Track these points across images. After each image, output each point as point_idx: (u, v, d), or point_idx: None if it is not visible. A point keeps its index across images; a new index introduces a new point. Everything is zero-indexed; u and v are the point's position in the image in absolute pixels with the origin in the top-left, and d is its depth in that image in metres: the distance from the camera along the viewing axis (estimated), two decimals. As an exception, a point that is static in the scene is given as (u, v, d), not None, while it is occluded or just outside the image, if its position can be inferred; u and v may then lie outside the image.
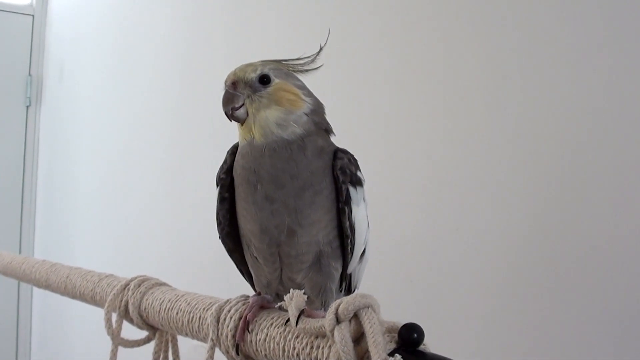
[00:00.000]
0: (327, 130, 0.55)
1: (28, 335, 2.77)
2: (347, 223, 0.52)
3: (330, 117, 1.02)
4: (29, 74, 2.86)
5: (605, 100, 0.68)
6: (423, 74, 0.90)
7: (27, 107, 2.85)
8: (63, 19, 2.71)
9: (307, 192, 0.51)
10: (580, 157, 0.70)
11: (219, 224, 0.57)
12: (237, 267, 0.61)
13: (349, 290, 0.58)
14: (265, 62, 0.53)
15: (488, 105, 0.80)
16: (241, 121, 0.52)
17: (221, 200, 0.56)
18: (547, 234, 0.73)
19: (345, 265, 0.55)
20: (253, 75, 0.52)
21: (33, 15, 2.90)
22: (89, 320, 1.96)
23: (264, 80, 0.52)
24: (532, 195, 0.74)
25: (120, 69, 2.04)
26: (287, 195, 0.50)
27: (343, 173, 0.52)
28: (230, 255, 0.60)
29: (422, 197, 0.88)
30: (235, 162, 0.54)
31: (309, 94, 0.54)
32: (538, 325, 0.73)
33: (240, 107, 0.52)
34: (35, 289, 2.69)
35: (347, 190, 0.52)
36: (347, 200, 0.52)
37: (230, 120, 0.53)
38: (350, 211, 0.52)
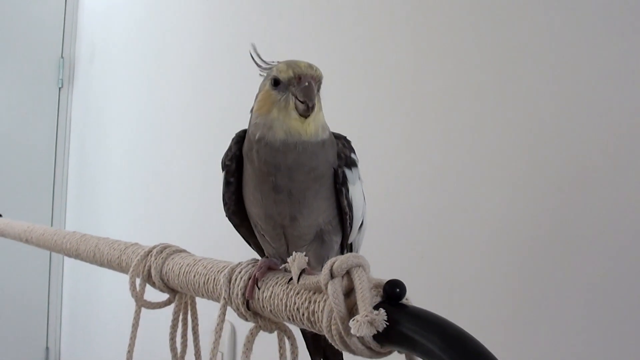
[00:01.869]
0: None
1: (59, 298, 2.88)
2: (345, 202, 0.57)
3: (354, 103, 1.07)
4: (61, 56, 2.94)
5: (617, 98, 0.70)
6: (441, 65, 0.93)
7: (60, 88, 2.93)
8: (95, 2, 2.77)
9: (317, 183, 0.56)
10: (593, 149, 0.72)
11: (225, 204, 0.62)
12: (244, 239, 0.66)
13: None
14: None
15: (503, 96, 0.83)
16: (308, 116, 0.54)
17: (227, 184, 0.61)
18: (555, 219, 0.75)
19: (345, 237, 0.60)
20: (322, 77, 0.56)
21: (65, -2, 2.97)
22: (115, 289, 2.04)
23: (320, 85, 0.56)
24: (542, 179, 0.77)
25: (150, 51, 2.10)
26: (296, 186, 0.55)
27: (339, 158, 0.57)
28: (237, 230, 0.65)
29: (434, 178, 0.92)
30: (249, 151, 0.57)
31: None
32: (543, 309, 0.76)
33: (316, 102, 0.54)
34: (66, 260, 2.80)
35: (344, 173, 0.57)
36: (344, 182, 0.57)
37: (307, 113, 0.54)
38: (347, 190, 0.57)
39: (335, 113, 1.06)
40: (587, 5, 0.73)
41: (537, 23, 0.79)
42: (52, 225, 2.71)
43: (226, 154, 0.60)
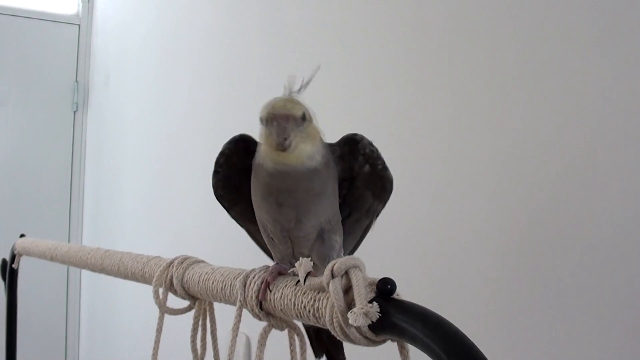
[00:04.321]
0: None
1: (77, 314, 2.95)
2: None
3: (347, 114, 1.14)
4: (76, 81, 3.03)
5: (611, 100, 0.74)
6: (433, 73, 0.99)
7: (74, 112, 3.03)
8: (108, 29, 2.85)
9: (318, 198, 0.65)
10: (584, 153, 0.77)
11: (219, 197, 0.74)
12: (259, 246, 0.76)
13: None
14: (298, 101, 0.64)
15: (495, 102, 0.88)
16: (287, 149, 0.61)
17: (215, 173, 0.73)
18: (548, 230, 0.80)
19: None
20: (299, 114, 0.62)
21: (79, 25, 3.07)
22: (132, 304, 2.11)
23: (304, 118, 0.63)
24: (536, 189, 0.82)
25: (163, 75, 2.17)
26: (297, 202, 0.64)
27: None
28: (252, 238, 0.75)
29: (432, 190, 0.98)
30: (254, 171, 0.66)
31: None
32: (536, 321, 0.82)
33: (288, 137, 0.61)
34: (83, 278, 2.87)
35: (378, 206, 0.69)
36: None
37: (282, 149, 0.61)
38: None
39: (339, 120, 1.14)
40: (585, 7, 0.78)
41: (545, 24, 0.83)
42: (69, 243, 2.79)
43: (220, 153, 0.71)
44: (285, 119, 0.62)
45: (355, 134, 0.68)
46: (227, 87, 1.69)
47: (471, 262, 0.90)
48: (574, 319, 0.76)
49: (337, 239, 0.68)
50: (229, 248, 1.55)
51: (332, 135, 0.69)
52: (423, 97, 1.01)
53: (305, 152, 0.63)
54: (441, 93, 0.97)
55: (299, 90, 0.65)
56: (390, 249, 1.03)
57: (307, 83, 0.65)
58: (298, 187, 0.63)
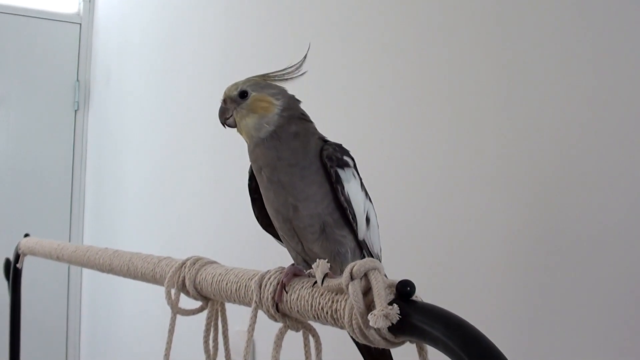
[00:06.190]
0: (302, 118, 0.69)
1: (78, 320, 2.95)
2: (342, 197, 0.66)
3: (351, 115, 1.14)
4: (77, 80, 3.04)
5: (611, 99, 0.75)
6: (435, 72, 0.99)
7: (76, 111, 3.03)
8: (109, 27, 2.86)
9: (295, 169, 0.66)
10: (586, 153, 0.77)
11: (257, 219, 0.74)
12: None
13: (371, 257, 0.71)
14: (246, 80, 0.70)
15: (498, 101, 0.89)
16: (233, 127, 0.69)
17: (253, 201, 0.73)
18: (551, 230, 0.81)
19: (355, 233, 0.69)
20: (235, 93, 0.69)
21: (80, 24, 3.08)
22: (133, 310, 2.11)
23: (243, 95, 0.68)
24: (540, 189, 0.83)
25: (164, 75, 2.18)
26: (280, 174, 0.65)
27: (330, 160, 0.67)
28: (279, 241, 0.75)
29: (438, 191, 0.99)
30: None
31: (283, 96, 0.69)
32: (540, 318, 0.83)
33: (230, 117, 0.69)
34: (84, 284, 2.87)
35: (336, 172, 0.66)
36: (338, 180, 0.66)
37: (225, 128, 0.70)
38: (343, 187, 0.66)
39: (343, 120, 1.14)
40: (586, 7, 0.78)
41: (546, 25, 0.83)
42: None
43: (249, 176, 0.72)
44: (224, 101, 0.69)
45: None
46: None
47: (476, 261, 0.90)
48: (589, 316, 0.76)
49: (345, 234, 0.68)
50: (230, 247, 1.56)
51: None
52: (425, 96, 1.01)
53: (251, 125, 0.67)
54: (443, 91, 0.98)
55: (280, 72, 0.71)
56: (394, 249, 1.03)
57: (300, 63, 0.70)
58: (269, 158, 0.66)
